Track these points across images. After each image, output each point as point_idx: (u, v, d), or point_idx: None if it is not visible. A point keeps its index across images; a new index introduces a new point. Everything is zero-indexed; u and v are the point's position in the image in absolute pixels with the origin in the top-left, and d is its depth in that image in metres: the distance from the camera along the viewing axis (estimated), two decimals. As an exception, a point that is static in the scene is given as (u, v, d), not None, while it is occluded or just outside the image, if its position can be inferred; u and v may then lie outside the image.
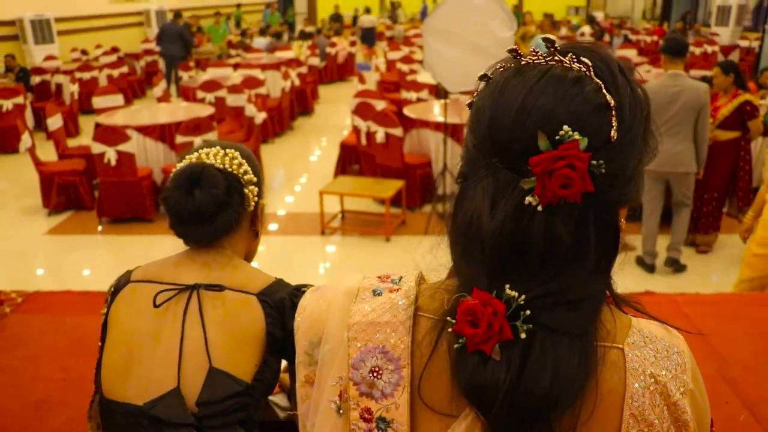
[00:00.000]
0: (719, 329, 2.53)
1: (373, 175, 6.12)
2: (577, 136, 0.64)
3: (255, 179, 1.37)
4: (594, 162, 0.65)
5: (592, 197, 0.65)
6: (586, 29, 16.16)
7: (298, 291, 1.32)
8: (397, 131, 5.81)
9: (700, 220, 5.02)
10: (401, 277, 0.81)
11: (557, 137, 0.64)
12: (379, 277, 0.82)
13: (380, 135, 5.85)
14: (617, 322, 0.73)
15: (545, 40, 0.71)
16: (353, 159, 6.75)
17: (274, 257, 5.17)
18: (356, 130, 6.42)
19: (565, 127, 0.64)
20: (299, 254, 5.29)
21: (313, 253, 5.40)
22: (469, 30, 4.85)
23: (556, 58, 0.70)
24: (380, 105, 6.64)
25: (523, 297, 0.66)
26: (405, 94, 8.13)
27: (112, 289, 1.34)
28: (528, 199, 0.65)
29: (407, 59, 11.20)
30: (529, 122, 0.66)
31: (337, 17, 20.26)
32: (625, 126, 0.68)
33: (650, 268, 4.70)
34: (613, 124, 0.67)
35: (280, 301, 1.29)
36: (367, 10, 19.57)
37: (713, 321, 2.62)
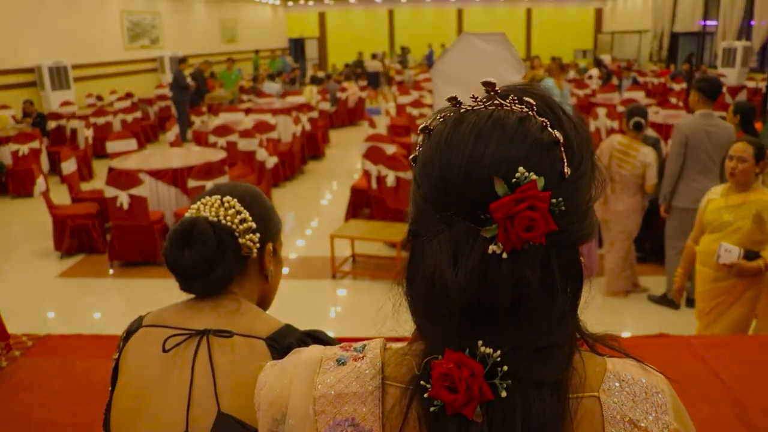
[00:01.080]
0: (737, 373, 2.48)
1: (384, 219, 6.13)
2: (533, 176, 0.63)
3: (254, 226, 1.35)
4: (554, 200, 0.64)
5: (554, 237, 0.64)
6: (594, 72, 16.34)
7: (307, 337, 1.31)
8: (408, 175, 5.83)
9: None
10: (365, 345, 0.78)
11: (513, 180, 0.63)
12: (342, 347, 0.79)
13: (391, 179, 5.89)
14: (591, 369, 0.70)
15: (485, 84, 0.69)
16: (364, 203, 6.77)
17: (285, 301, 5.12)
18: (367, 174, 6.46)
19: (521, 169, 0.63)
20: (310, 298, 5.28)
21: (324, 297, 5.38)
22: (478, 74, 4.88)
23: (496, 101, 0.69)
24: (391, 149, 6.70)
25: (498, 353, 0.63)
26: (415, 138, 8.17)
27: (125, 335, 1.34)
28: (492, 247, 0.63)
29: (417, 103, 11.34)
30: (482, 169, 0.64)
31: (359, 63, 20.70)
32: (576, 160, 0.68)
33: (673, 304, 4.56)
34: (564, 159, 0.66)
35: (288, 347, 1.28)
36: (374, 56, 20.15)
37: (731, 364, 2.56)
